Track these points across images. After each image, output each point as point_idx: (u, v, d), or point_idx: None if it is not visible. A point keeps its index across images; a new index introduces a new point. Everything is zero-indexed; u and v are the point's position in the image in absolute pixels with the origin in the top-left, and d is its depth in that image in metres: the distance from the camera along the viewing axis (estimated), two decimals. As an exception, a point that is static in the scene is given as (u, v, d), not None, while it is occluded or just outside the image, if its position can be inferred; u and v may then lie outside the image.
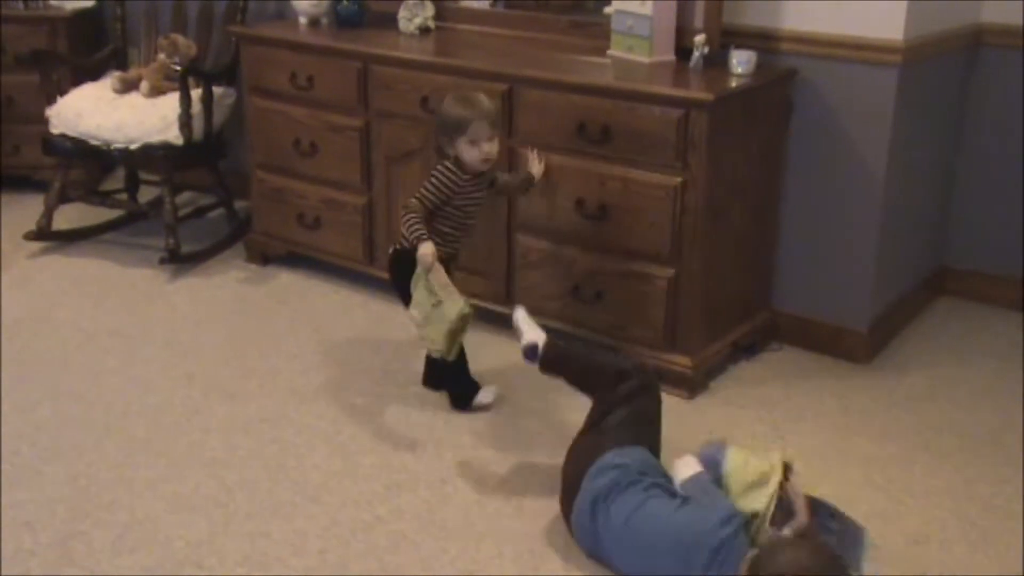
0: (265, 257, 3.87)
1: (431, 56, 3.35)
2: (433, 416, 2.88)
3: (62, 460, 2.66)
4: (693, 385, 3.00)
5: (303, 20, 3.72)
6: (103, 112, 3.79)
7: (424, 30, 3.58)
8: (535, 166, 3.01)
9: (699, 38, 3.04)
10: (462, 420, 2.86)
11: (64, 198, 3.99)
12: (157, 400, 2.96)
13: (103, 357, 3.19)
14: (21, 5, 4.37)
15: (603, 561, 2.28)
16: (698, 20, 3.10)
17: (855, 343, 3.22)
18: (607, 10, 3.25)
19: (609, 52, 3.21)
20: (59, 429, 2.80)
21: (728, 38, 3.06)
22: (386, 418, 2.86)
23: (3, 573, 2.26)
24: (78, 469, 2.62)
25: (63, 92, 3.94)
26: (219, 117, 3.91)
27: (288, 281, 3.76)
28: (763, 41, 3.08)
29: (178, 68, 3.74)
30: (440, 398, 2.96)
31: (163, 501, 2.50)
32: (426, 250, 2.60)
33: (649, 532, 2.16)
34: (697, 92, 2.83)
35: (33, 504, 2.48)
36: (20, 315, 3.45)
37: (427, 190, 2.72)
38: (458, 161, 2.73)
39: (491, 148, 2.72)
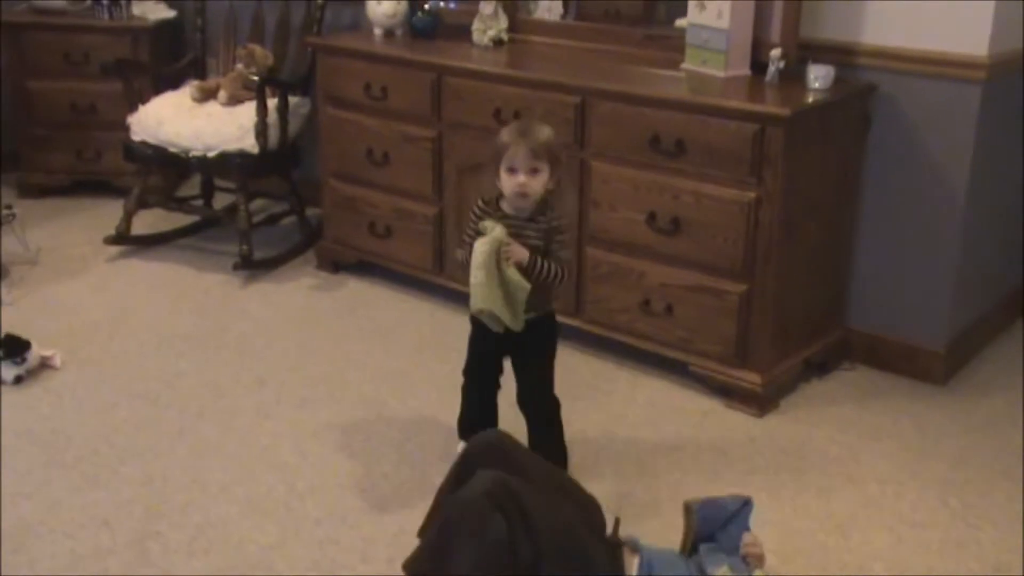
0: (336, 264, 3.92)
1: (504, 68, 3.37)
2: (502, 426, 2.88)
3: (137, 461, 2.72)
4: (763, 403, 2.96)
5: (378, 31, 3.76)
6: (182, 120, 3.87)
7: (498, 42, 3.59)
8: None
9: (775, 52, 3.01)
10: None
11: (143, 203, 4.08)
12: (229, 404, 3.01)
13: (177, 360, 3.25)
14: (106, 16, 4.49)
15: None
16: (774, 34, 3.07)
17: (931, 363, 3.15)
18: (679, 23, 3.23)
19: (683, 65, 3.19)
20: (134, 430, 2.86)
21: (805, 52, 3.03)
22: (454, 426, 2.87)
23: (82, 570, 2.31)
24: (153, 470, 2.68)
25: (144, 100, 4.03)
26: (294, 126, 3.97)
27: (358, 289, 3.80)
28: (841, 55, 3.03)
29: (255, 78, 3.80)
30: (508, 409, 2.96)
31: (235, 504, 2.54)
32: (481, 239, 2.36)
33: None
34: (773, 107, 2.81)
35: (110, 503, 2.54)
36: (98, 317, 3.54)
37: (464, 232, 2.51)
38: (497, 197, 2.46)
39: (529, 181, 2.36)
